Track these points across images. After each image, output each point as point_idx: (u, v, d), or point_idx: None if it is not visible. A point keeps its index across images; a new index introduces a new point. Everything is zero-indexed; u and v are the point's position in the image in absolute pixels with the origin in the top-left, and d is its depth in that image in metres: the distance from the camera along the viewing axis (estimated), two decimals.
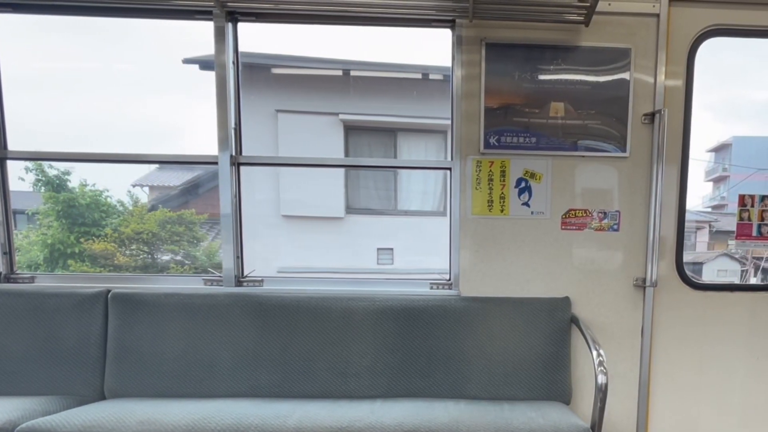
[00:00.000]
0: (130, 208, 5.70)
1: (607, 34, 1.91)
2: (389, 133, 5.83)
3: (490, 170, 1.95)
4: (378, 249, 6.12)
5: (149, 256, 5.53)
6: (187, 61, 5.15)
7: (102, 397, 1.87)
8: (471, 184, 1.95)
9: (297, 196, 5.68)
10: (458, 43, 1.90)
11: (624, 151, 1.96)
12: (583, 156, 1.96)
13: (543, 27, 1.89)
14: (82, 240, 5.01)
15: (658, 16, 1.90)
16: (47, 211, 5.02)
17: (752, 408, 2.12)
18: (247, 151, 2.01)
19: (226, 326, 1.88)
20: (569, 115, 1.94)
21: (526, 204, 1.97)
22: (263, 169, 5.62)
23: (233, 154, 1.98)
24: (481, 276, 2.00)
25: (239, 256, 2.02)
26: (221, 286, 2.01)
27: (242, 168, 2.02)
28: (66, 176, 5.09)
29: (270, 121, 5.58)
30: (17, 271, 2.05)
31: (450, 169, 1.98)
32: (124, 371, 1.86)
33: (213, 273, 2.07)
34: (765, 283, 2.21)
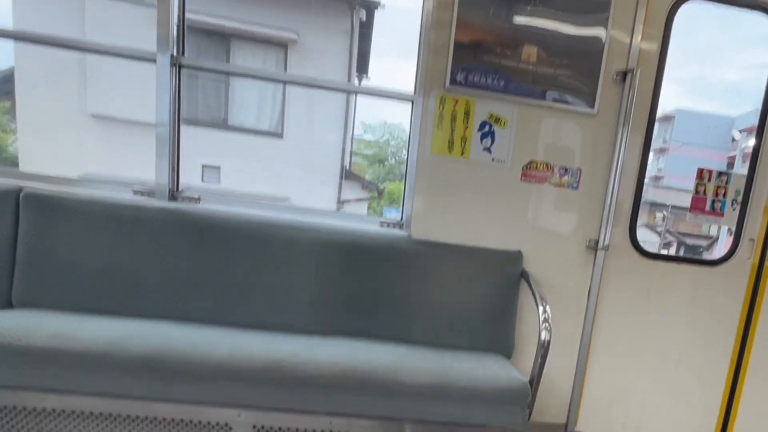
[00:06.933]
0: None
1: None
2: (222, 38, 5.10)
3: (454, 109, 1.86)
4: (203, 166, 5.47)
5: None
6: None
7: (9, 306, 1.70)
8: (432, 121, 1.87)
9: (109, 94, 4.80)
10: None
11: (592, 107, 1.92)
12: (550, 107, 1.90)
13: None
14: None
15: None
16: None
17: (683, 378, 2.16)
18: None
19: (156, 243, 1.74)
20: (541, 62, 1.87)
21: (488, 150, 1.90)
22: (67, 58, 4.68)
23: (174, 54, 1.81)
24: (434, 219, 1.92)
25: (175, 169, 1.87)
26: (153, 198, 1.86)
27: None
28: None
29: (75, 5, 4.70)
30: None
31: (412, 102, 1.88)
32: (35, 280, 1.69)
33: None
34: (711, 258, 2.29)
